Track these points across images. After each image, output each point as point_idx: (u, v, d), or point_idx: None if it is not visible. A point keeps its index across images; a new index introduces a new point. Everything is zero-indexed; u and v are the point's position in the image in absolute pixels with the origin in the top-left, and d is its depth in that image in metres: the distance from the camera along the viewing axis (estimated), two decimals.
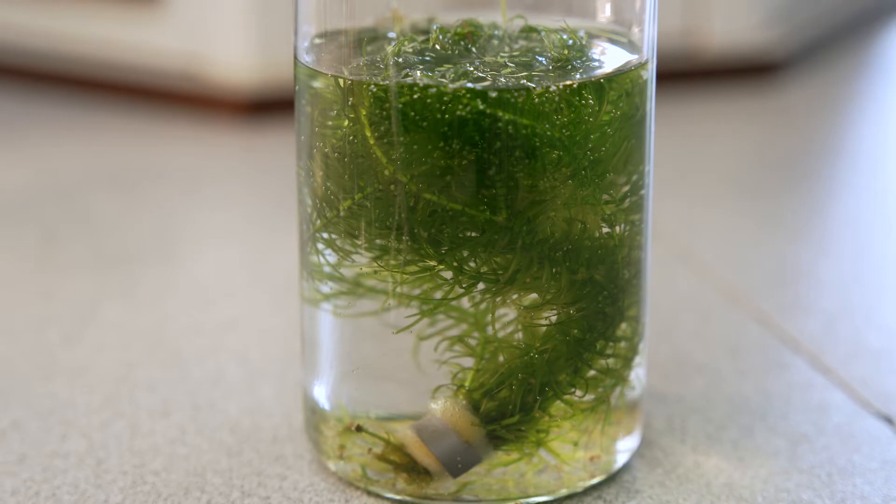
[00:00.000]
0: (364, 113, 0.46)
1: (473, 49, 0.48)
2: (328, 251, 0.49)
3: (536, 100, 0.45)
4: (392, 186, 0.46)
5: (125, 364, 0.62)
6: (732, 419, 0.56)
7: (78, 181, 0.95)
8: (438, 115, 0.45)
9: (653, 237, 0.53)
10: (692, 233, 0.82)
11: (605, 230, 0.48)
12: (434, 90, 0.45)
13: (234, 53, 1.11)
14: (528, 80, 0.45)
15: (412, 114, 0.45)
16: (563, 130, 0.46)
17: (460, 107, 0.45)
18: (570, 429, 0.49)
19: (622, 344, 0.50)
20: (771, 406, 0.57)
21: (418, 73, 0.46)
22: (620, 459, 0.51)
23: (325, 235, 0.49)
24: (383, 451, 0.49)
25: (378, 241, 0.47)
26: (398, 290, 0.47)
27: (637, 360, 0.51)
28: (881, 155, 1.05)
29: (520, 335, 0.47)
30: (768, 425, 0.56)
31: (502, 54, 0.47)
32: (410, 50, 0.47)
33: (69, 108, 1.16)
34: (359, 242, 0.48)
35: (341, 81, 0.47)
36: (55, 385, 0.60)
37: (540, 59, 0.47)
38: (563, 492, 0.49)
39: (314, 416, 0.52)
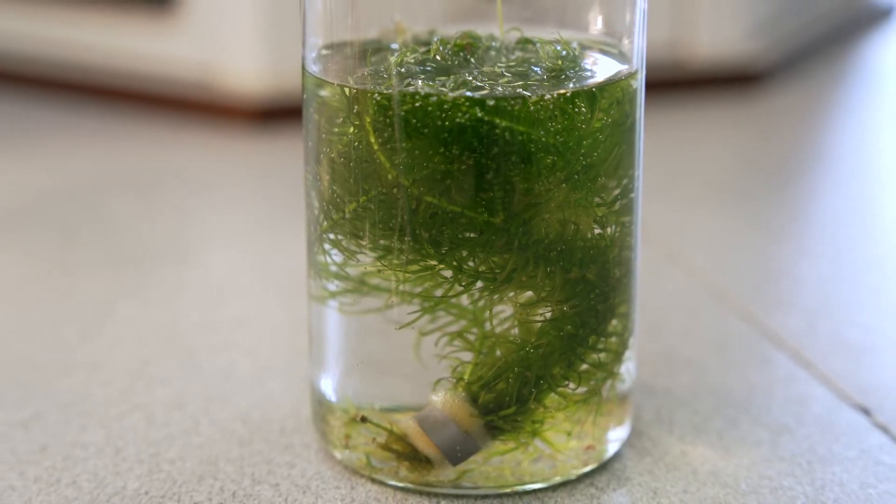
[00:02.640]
0: (368, 120, 0.46)
1: (472, 60, 0.48)
2: (334, 251, 0.49)
3: (532, 108, 0.45)
4: (395, 190, 0.46)
5: (141, 359, 0.63)
6: (718, 411, 0.56)
7: (95, 185, 0.95)
8: (439, 123, 0.45)
9: (642, 238, 0.53)
10: (680, 234, 0.82)
11: (597, 231, 0.48)
12: (435, 99, 0.45)
13: (245, 63, 1.11)
14: (523, 89, 0.45)
15: (414, 121, 0.45)
16: (557, 137, 0.46)
17: (460, 114, 0.45)
18: (563, 420, 0.49)
19: (613, 339, 0.50)
20: (754, 398, 0.58)
21: (420, 82, 0.46)
22: (611, 449, 0.51)
23: (332, 236, 0.49)
24: (387, 441, 0.49)
25: (381, 242, 0.47)
26: (401, 288, 0.47)
27: (627, 354, 0.51)
28: (859, 160, 1.05)
29: (516, 331, 0.48)
30: (752, 417, 0.56)
31: (499, 65, 0.47)
32: (412, 60, 0.47)
33: (87, 115, 1.16)
34: (363, 243, 0.48)
35: (347, 90, 0.47)
36: (74, 379, 0.60)
37: (535, 69, 0.47)
38: (557, 479, 0.50)
39: (321, 407, 0.52)
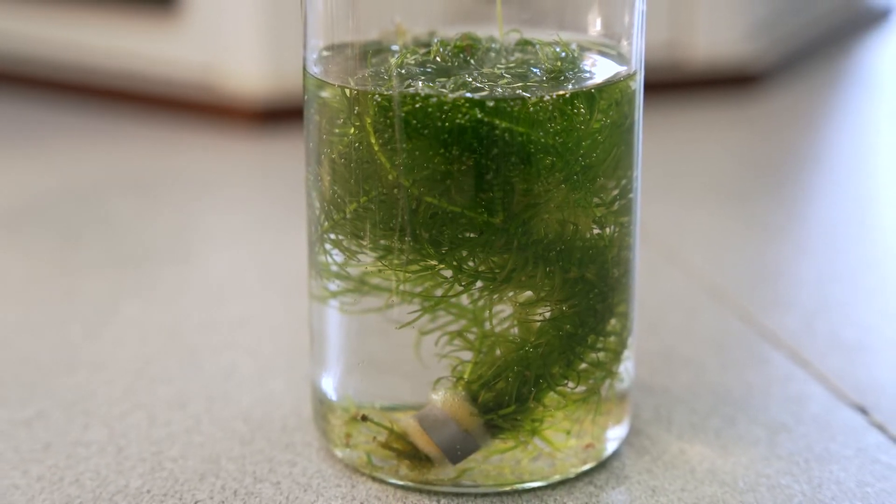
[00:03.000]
0: (369, 121, 0.46)
1: (472, 61, 0.48)
2: (335, 251, 0.49)
3: (531, 109, 0.45)
4: (395, 190, 0.46)
5: (143, 358, 0.63)
6: (716, 409, 0.56)
7: (99, 186, 0.95)
8: (439, 123, 0.45)
9: (641, 239, 0.53)
10: (678, 234, 0.82)
11: (596, 231, 0.48)
12: (435, 100, 0.45)
13: (247, 65, 1.11)
14: (523, 91, 0.45)
15: (414, 122, 0.45)
16: (557, 138, 0.46)
17: (459, 115, 0.45)
18: (562, 418, 0.49)
19: (612, 339, 0.50)
20: (752, 397, 0.58)
21: (420, 83, 0.46)
22: (610, 447, 0.51)
23: (333, 236, 0.49)
24: (387, 440, 0.49)
25: (382, 242, 0.47)
26: (401, 287, 0.47)
27: (626, 353, 0.51)
28: (856, 161, 1.05)
29: (516, 330, 0.48)
30: (749, 415, 0.56)
31: (499, 66, 0.47)
32: (413, 62, 0.47)
33: (91, 116, 1.16)
34: (364, 243, 0.48)
35: (348, 91, 0.47)
36: (78, 378, 0.60)
37: (534, 70, 0.47)
38: (557, 478, 0.50)
39: (322, 406, 0.52)
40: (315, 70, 0.49)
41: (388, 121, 0.45)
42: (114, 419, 0.56)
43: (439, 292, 0.47)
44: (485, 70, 0.47)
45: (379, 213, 0.47)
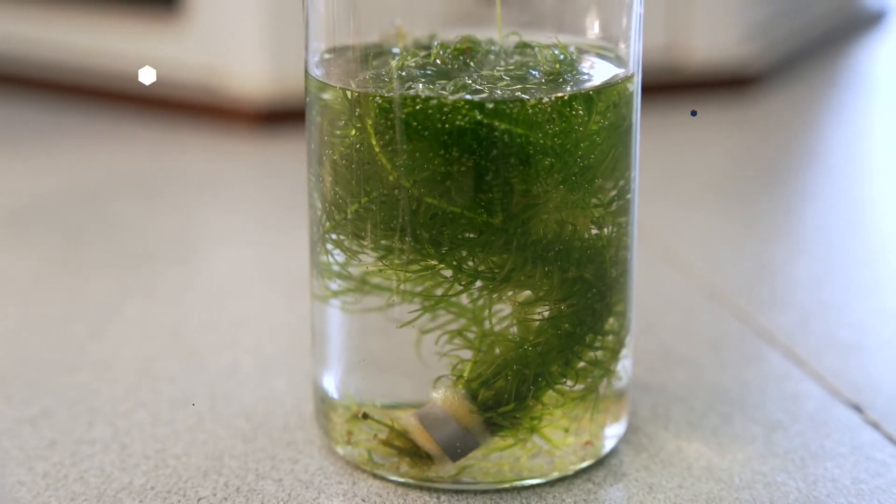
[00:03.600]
0: (370, 123, 0.46)
1: (472, 63, 0.48)
2: (336, 251, 0.49)
3: (530, 111, 0.45)
4: (396, 191, 0.46)
5: (147, 357, 0.63)
6: (712, 407, 0.56)
7: (102, 186, 0.95)
8: (439, 125, 0.45)
9: (639, 239, 0.53)
10: (676, 235, 0.83)
11: (594, 232, 0.48)
12: (435, 102, 0.45)
13: (249, 67, 1.11)
14: (522, 93, 0.46)
15: (415, 124, 0.45)
16: (555, 139, 0.46)
17: (459, 117, 0.45)
18: (561, 416, 0.49)
19: (610, 337, 0.50)
20: (748, 395, 0.58)
21: (420, 85, 0.46)
22: (608, 445, 0.51)
23: (334, 236, 0.49)
24: (388, 437, 0.49)
25: (383, 242, 0.47)
26: (402, 287, 0.48)
27: (624, 352, 0.51)
28: (852, 161, 1.05)
29: (515, 329, 0.48)
30: (746, 413, 0.56)
31: (498, 68, 0.47)
32: (413, 64, 0.47)
33: (95, 118, 1.16)
34: (365, 243, 0.48)
35: (349, 93, 0.47)
36: (82, 376, 0.60)
37: (533, 72, 0.47)
38: (555, 475, 0.50)
39: (323, 404, 0.52)
40: (316, 72, 0.49)
41: (389, 122, 0.45)
42: (118, 417, 0.56)
43: (439, 292, 0.47)
44: (484, 72, 0.47)
45: (380, 214, 0.47)
